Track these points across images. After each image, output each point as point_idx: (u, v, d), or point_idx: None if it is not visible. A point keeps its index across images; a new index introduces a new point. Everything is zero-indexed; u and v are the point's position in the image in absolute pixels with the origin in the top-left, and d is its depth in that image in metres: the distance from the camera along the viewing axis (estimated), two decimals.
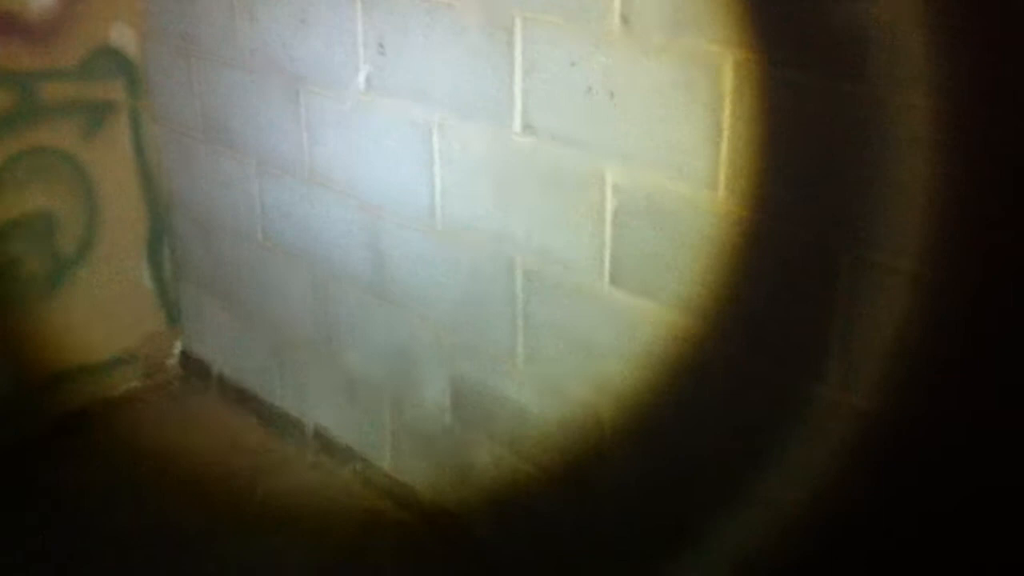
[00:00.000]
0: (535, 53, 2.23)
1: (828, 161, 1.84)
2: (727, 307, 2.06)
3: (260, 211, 3.09)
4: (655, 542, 2.36)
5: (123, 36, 3.18)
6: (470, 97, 2.38)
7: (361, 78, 2.62)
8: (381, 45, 2.54)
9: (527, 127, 2.29)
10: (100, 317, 3.32)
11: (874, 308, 1.84)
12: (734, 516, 2.18)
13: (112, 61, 3.18)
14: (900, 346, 1.83)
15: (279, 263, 3.09)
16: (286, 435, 3.27)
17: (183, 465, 3.10)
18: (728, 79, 1.92)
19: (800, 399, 1.99)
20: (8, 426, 3.11)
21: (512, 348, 2.49)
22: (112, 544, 2.80)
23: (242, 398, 3.42)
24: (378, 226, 2.73)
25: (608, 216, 2.19)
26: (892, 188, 1.76)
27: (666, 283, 2.13)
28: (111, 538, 2.82)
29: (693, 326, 2.12)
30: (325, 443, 3.16)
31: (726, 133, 1.95)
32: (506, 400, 2.56)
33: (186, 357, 3.63)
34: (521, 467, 2.58)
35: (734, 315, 2.05)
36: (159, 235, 3.44)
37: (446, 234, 2.56)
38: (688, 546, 2.29)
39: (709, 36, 1.93)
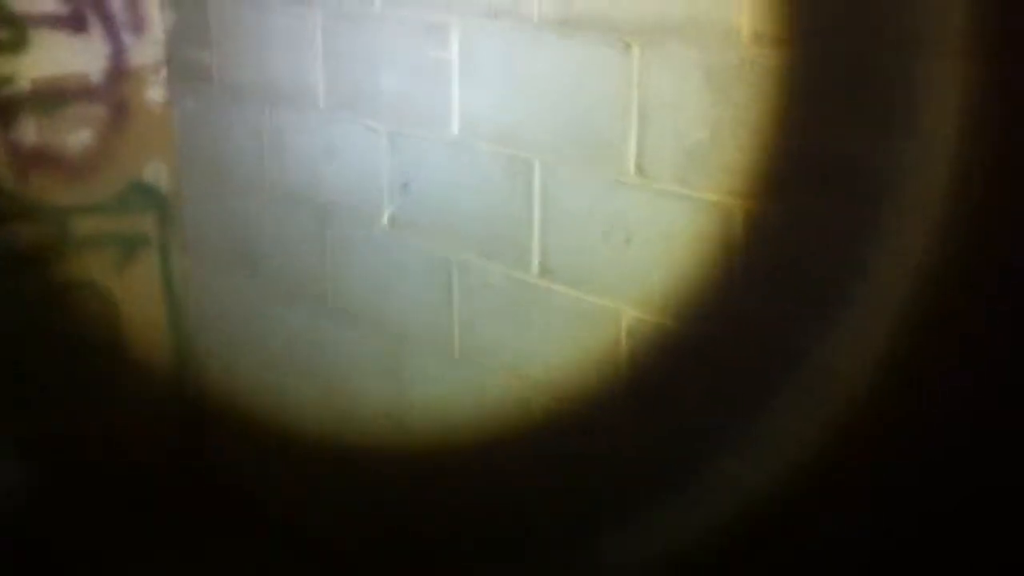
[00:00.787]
0: (553, 195, 2.32)
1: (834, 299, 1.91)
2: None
3: (285, 339, 3.16)
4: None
5: (157, 171, 3.31)
6: (490, 236, 2.47)
7: (386, 216, 2.71)
8: (406, 184, 2.64)
9: (544, 269, 2.37)
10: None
11: None
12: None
13: (145, 195, 3.30)
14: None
15: (299, 387, 3.15)
16: None
17: None
18: (738, 227, 2.00)
19: None
20: None
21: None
22: None
23: None
24: (399, 353, 2.79)
25: (623, 357, 2.25)
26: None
27: None
28: None
29: None
30: None
31: (738, 279, 2.02)
32: None
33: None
34: None
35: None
36: (184, 361, 3.51)
37: (463, 363, 2.62)
38: None
39: (719, 187, 2.01)
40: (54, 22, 3.08)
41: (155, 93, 3.29)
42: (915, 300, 1.83)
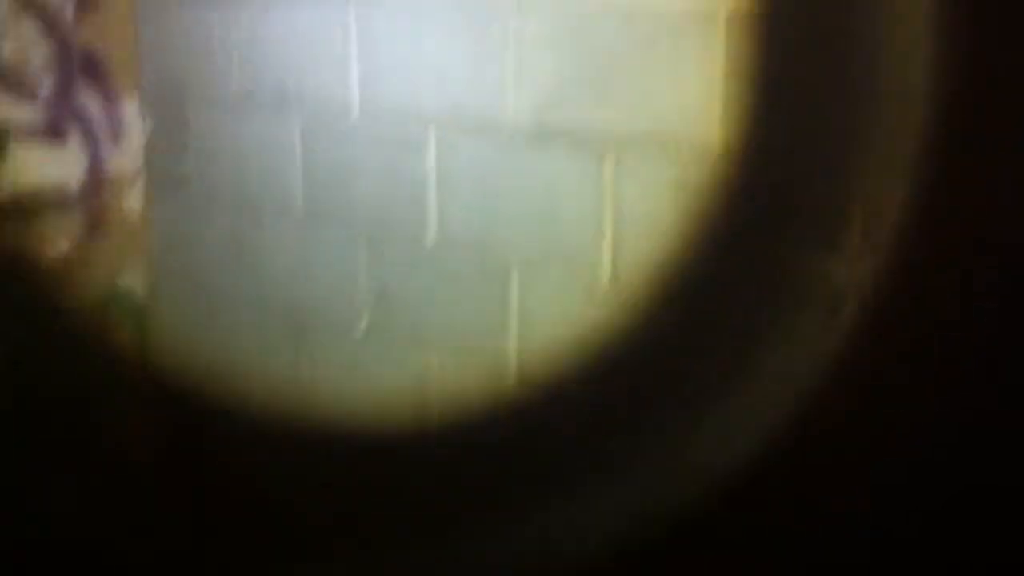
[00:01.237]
0: (530, 305, 2.32)
1: None
2: None
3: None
4: None
5: (132, 279, 3.30)
6: (467, 343, 2.47)
7: (363, 324, 2.71)
8: (383, 293, 2.65)
9: (523, 379, 2.36)
10: None
11: None
12: None
13: (121, 303, 3.28)
14: None
15: None
16: None
17: None
18: None
19: None
20: None
21: None
22: None
23: None
24: None
25: None
26: None
27: None
28: None
29: None
30: None
31: None
32: None
33: None
34: None
35: None
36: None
37: None
38: None
39: None
40: (32, 132, 3.10)
41: (133, 201, 3.30)
42: None
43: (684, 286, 2.08)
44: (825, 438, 1.90)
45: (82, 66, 3.12)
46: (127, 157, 3.27)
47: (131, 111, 3.24)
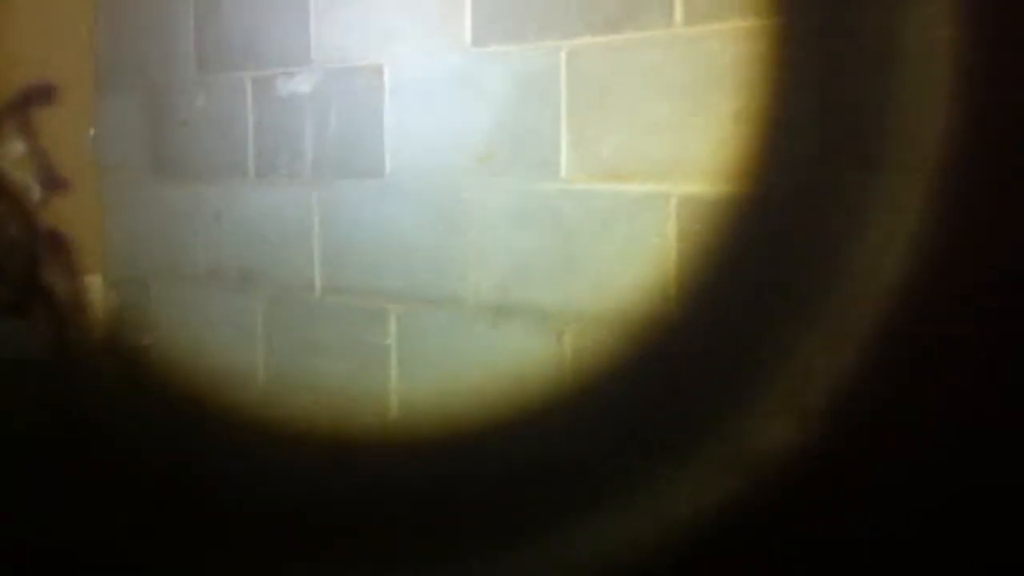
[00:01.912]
0: None
1: None
2: None
3: None
4: None
5: None
6: None
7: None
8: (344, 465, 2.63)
9: None
10: None
11: None
12: None
13: None
14: None
15: None
16: None
17: None
18: None
19: None
20: None
21: None
22: None
23: None
24: None
25: None
26: None
27: None
28: None
29: None
30: None
31: None
32: None
33: None
34: None
35: None
36: None
37: None
38: None
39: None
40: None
41: (96, 372, 3.29)
42: None
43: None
44: None
45: (47, 246, 3.15)
46: (92, 331, 3.27)
47: (95, 287, 3.26)
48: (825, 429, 1.91)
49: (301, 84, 2.61)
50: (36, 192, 3.12)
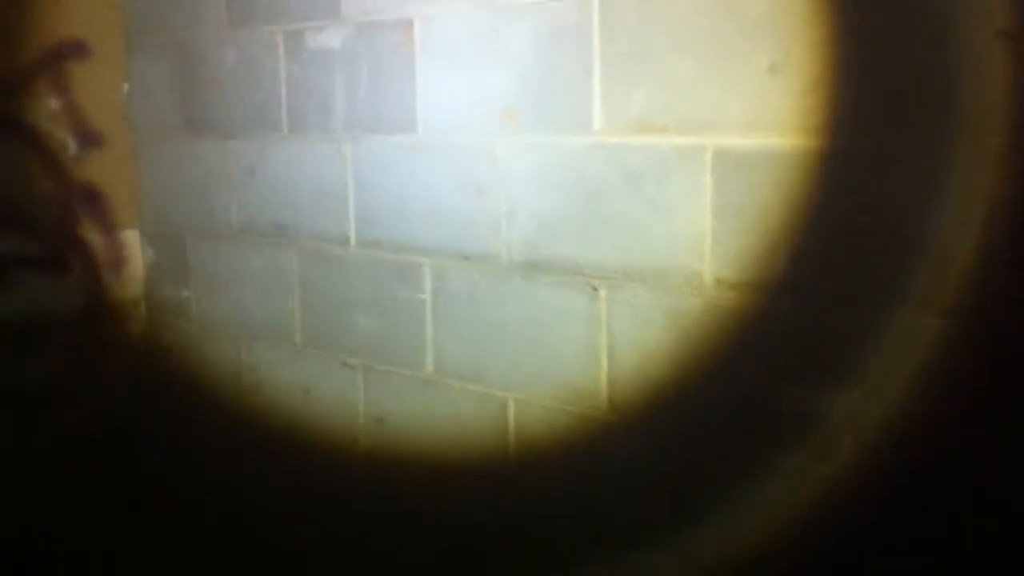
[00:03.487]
0: (528, 434, 2.33)
1: None
2: None
3: None
4: None
5: (134, 408, 3.31)
6: (468, 472, 2.47)
7: (362, 450, 2.71)
8: (381, 419, 2.65)
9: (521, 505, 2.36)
10: None
11: None
12: None
13: (120, 433, 3.29)
14: None
15: None
16: None
17: None
18: None
19: None
20: None
21: None
22: None
23: None
24: None
25: None
26: None
27: None
28: None
29: None
30: None
31: None
32: None
33: None
34: None
35: None
36: None
37: None
38: None
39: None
40: (37, 263, 3.14)
41: (134, 328, 3.33)
42: None
43: (680, 415, 2.09)
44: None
45: (83, 200, 3.18)
46: (128, 285, 3.31)
47: (132, 242, 3.29)
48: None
49: (331, 38, 2.60)
50: (71, 147, 3.13)
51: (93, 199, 3.21)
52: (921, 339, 1.78)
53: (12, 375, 3.11)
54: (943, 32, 1.71)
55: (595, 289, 2.18)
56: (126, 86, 3.20)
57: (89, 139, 3.16)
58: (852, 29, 1.79)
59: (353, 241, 2.64)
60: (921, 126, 1.73)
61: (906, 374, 1.80)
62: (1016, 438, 1.71)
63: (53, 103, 3.09)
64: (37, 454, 3.14)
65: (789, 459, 1.93)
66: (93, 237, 3.23)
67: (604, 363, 2.19)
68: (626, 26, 2.07)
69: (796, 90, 1.85)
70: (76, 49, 3.10)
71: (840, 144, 1.82)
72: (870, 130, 1.79)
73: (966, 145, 1.70)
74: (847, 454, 1.86)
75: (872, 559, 1.86)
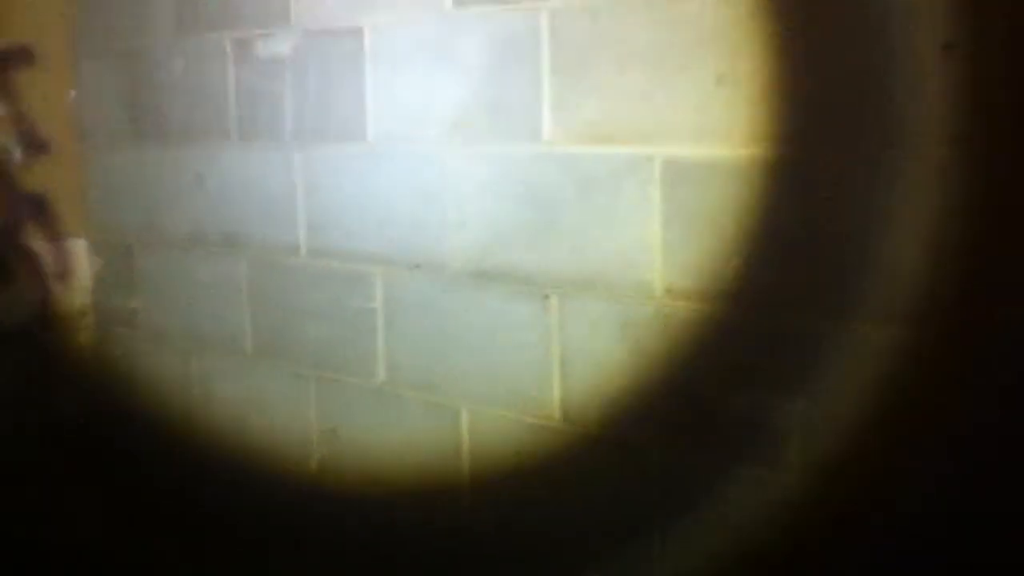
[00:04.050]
0: (480, 442, 2.33)
1: None
2: None
3: None
4: None
5: (81, 418, 3.26)
6: (420, 486, 2.46)
7: (313, 462, 2.69)
8: (334, 430, 2.64)
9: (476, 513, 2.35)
10: None
11: None
12: None
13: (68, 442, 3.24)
14: None
15: None
16: None
17: None
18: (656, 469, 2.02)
19: None
20: None
21: None
22: None
23: None
24: None
25: None
26: None
27: None
28: None
29: None
30: None
31: None
32: None
33: None
34: None
35: None
36: None
37: None
38: None
39: (642, 431, 2.04)
40: None
41: (82, 339, 3.29)
42: None
43: (633, 424, 2.09)
44: None
45: (29, 208, 3.13)
46: (76, 296, 3.27)
47: (80, 251, 3.25)
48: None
49: (280, 45, 2.58)
50: (17, 155, 3.09)
51: (39, 207, 3.16)
52: (870, 347, 1.79)
53: None
54: (889, 45, 1.73)
55: (546, 298, 2.18)
56: (73, 93, 3.16)
57: (36, 147, 3.12)
58: (798, 42, 1.81)
59: (303, 250, 2.63)
60: (867, 137, 1.75)
61: (856, 382, 1.82)
62: (967, 443, 1.73)
63: None
64: None
65: (741, 466, 1.94)
66: (39, 246, 3.19)
67: (556, 372, 2.19)
68: (575, 37, 2.07)
69: (742, 101, 1.86)
70: (23, 55, 3.06)
71: (787, 154, 1.84)
72: (817, 141, 1.81)
73: (912, 156, 1.72)
74: (798, 461, 1.88)
75: (827, 565, 1.88)
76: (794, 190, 1.84)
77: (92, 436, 3.28)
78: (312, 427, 2.69)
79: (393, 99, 2.38)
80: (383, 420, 2.53)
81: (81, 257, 3.25)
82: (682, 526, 2.02)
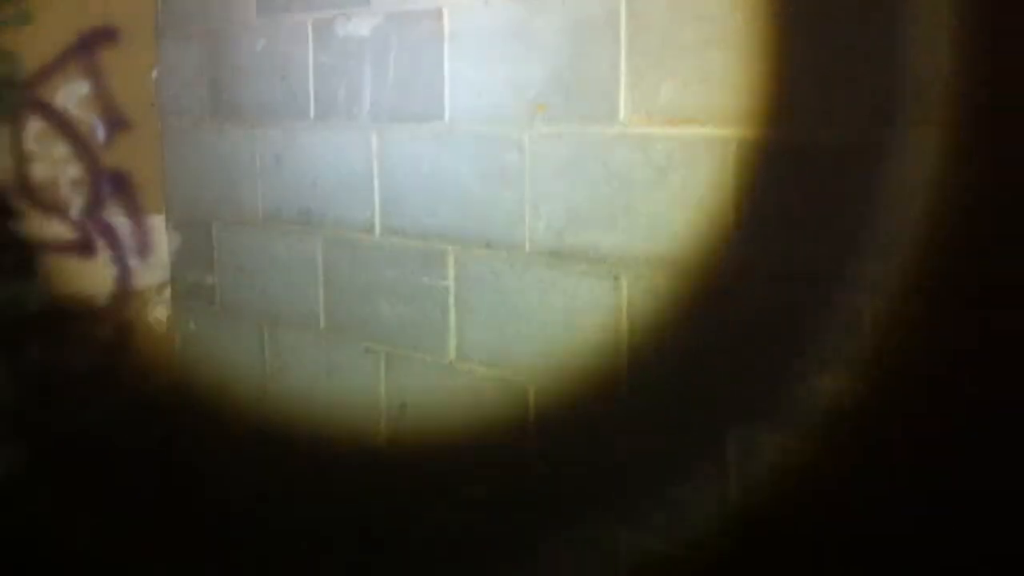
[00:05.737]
0: (551, 420, 2.36)
1: None
2: None
3: None
4: None
5: (158, 390, 3.35)
6: (488, 461, 2.50)
7: (384, 437, 2.74)
8: (403, 405, 2.68)
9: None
10: None
11: None
12: None
13: (147, 414, 3.33)
14: None
15: None
16: None
17: None
18: None
19: None
20: None
21: None
22: None
23: None
24: None
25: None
26: None
27: None
28: None
29: None
30: None
31: None
32: None
33: None
34: None
35: None
36: None
37: None
38: None
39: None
40: (63, 247, 3.18)
41: (159, 313, 3.37)
42: None
43: (695, 399, 2.11)
44: None
45: (111, 185, 3.22)
46: (154, 271, 3.35)
47: (158, 227, 3.33)
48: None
49: (360, 27, 2.62)
50: (100, 132, 3.18)
51: (121, 184, 3.25)
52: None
53: (43, 360, 3.15)
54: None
55: (616, 278, 2.20)
56: (155, 72, 3.24)
57: (118, 124, 3.21)
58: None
59: (378, 228, 2.67)
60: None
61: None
62: (960, 414, 1.75)
63: (83, 88, 3.13)
64: (67, 439, 3.19)
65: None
66: (120, 222, 3.27)
67: (624, 350, 2.21)
68: (653, 16, 2.09)
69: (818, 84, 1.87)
70: (107, 35, 3.15)
71: (870, 139, 1.85)
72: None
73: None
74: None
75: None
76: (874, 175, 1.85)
77: (167, 409, 3.37)
78: (382, 402, 2.74)
79: (471, 80, 2.41)
80: (452, 396, 2.57)
81: (160, 233, 3.34)
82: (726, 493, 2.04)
